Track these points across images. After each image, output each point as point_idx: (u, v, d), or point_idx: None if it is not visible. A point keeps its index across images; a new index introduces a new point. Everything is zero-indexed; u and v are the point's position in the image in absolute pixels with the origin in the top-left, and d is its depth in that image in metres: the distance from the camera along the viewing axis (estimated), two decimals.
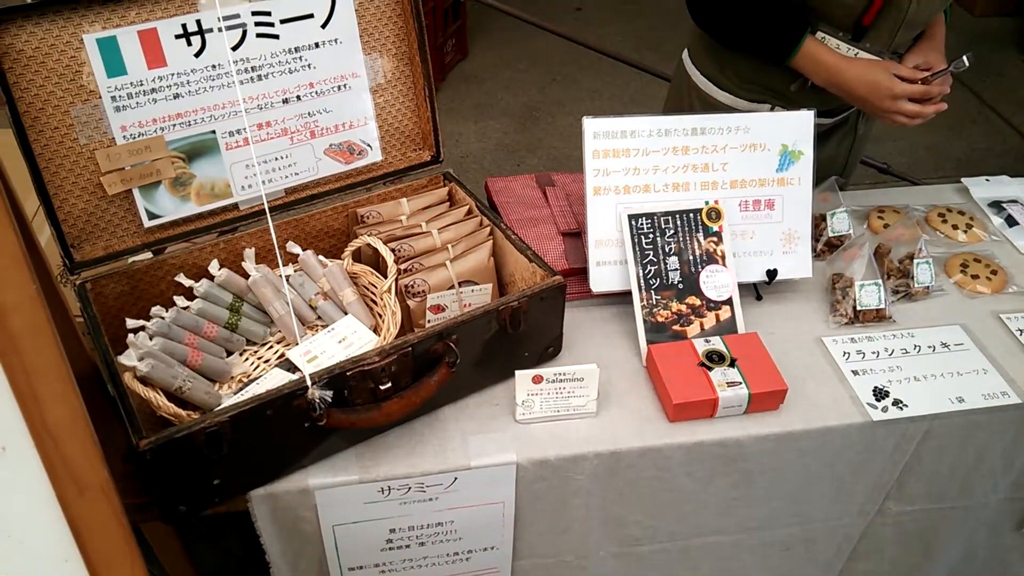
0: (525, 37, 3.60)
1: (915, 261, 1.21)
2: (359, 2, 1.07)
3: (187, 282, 1.05)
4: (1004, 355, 1.14)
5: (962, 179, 1.47)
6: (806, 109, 1.16)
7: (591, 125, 1.11)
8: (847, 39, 1.22)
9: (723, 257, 1.12)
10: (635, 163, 1.13)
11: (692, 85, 1.44)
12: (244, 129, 1.04)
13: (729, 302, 1.12)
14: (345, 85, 1.10)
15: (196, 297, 1.05)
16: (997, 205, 1.42)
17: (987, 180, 1.47)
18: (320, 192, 1.14)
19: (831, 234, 1.27)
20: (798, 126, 1.15)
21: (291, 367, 1.02)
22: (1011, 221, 1.38)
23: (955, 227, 1.35)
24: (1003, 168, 3.20)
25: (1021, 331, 1.18)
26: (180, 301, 1.04)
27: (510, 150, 3.16)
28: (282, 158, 1.10)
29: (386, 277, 1.03)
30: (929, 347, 1.14)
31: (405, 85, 1.15)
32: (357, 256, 1.11)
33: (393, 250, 1.06)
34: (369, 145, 1.15)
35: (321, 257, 1.09)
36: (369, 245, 1.07)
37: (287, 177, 1.11)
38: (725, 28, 1.31)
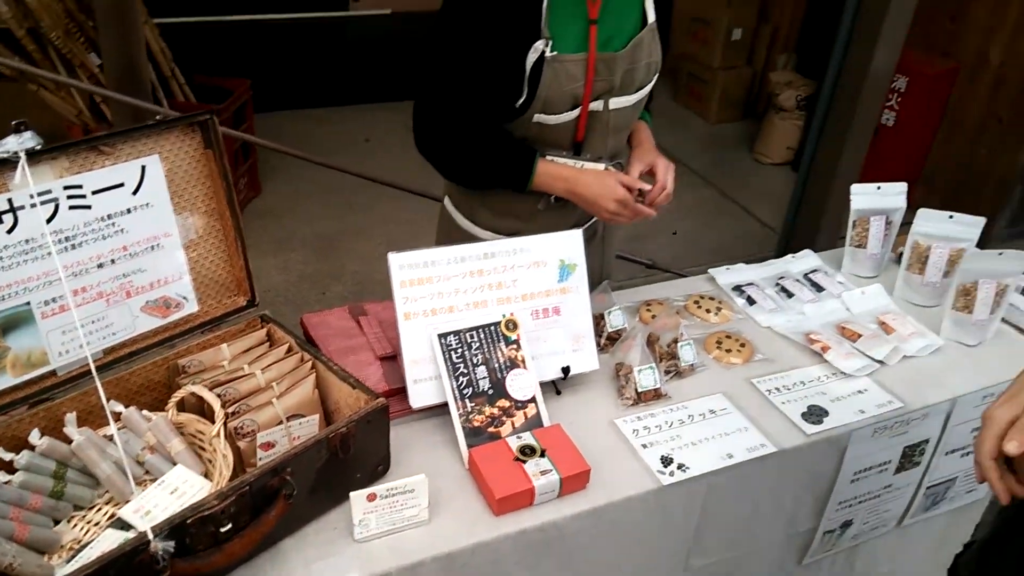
0: (318, 169, 3.74)
1: (679, 344, 1.43)
2: (168, 168, 1.16)
3: (6, 455, 1.04)
4: (759, 413, 1.37)
5: (708, 270, 1.75)
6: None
7: (396, 259, 1.25)
8: (571, 156, 1.46)
9: (524, 361, 1.28)
10: (439, 288, 1.27)
11: (454, 224, 1.63)
12: (60, 297, 1.08)
13: (534, 400, 1.27)
14: (158, 245, 1.17)
15: (17, 470, 1.04)
16: (739, 289, 1.70)
17: (727, 268, 1.76)
18: (139, 348, 1.18)
19: (610, 329, 1.48)
20: (569, 243, 1.35)
21: (124, 525, 1.04)
22: (750, 300, 1.66)
23: (708, 311, 1.61)
24: (750, 250, 3.73)
25: (769, 391, 1.42)
26: (0, 476, 1.03)
27: (314, 280, 3.24)
28: (99, 320, 1.13)
29: (213, 423, 1.09)
30: (700, 415, 1.35)
31: (216, 238, 1.24)
32: (181, 406, 1.16)
33: (218, 395, 1.12)
34: (185, 297, 1.22)
35: (145, 412, 1.13)
36: (193, 394, 1.13)
37: (105, 338, 1.15)
38: (469, 179, 1.54)
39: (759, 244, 3.76)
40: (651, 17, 1.44)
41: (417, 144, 1.48)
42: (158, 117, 1.18)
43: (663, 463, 1.24)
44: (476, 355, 1.26)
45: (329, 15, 5.02)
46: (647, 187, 1.47)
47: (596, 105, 1.42)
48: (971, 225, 1.69)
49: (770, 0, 4.86)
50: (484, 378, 1.25)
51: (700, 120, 5.07)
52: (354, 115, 4.63)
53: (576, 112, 1.41)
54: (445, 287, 1.28)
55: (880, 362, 1.51)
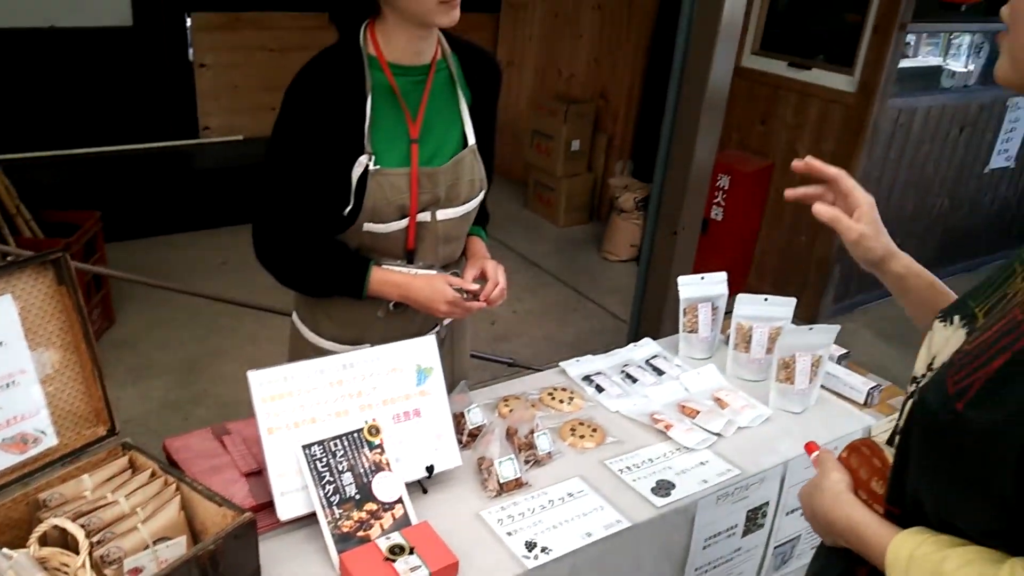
0: (175, 295, 3.70)
1: (536, 434, 1.53)
2: (21, 306, 1.18)
3: None
4: (613, 492, 1.47)
5: (560, 363, 1.88)
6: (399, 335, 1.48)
7: (256, 377, 1.30)
8: (404, 264, 1.58)
9: (388, 464, 1.34)
10: (300, 401, 1.33)
11: (303, 339, 1.70)
12: None
13: (400, 501, 1.32)
14: (13, 382, 1.17)
15: None
16: (588, 378, 1.83)
17: (577, 361, 1.90)
18: None
19: (470, 426, 1.56)
20: (424, 348, 1.44)
21: None
22: (599, 388, 1.79)
23: (561, 401, 1.73)
24: (605, 341, 3.93)
25: (621, 471, 1.53)
26: None
27: (175, 406, 3.16)
28: None
29: (78, 554, 1.08)
30: (559, 499, 1.44)
31: (73, 370, 1.25)
32: (44, 540, 1.14)
33: (82, 525, 1.11)
34: (43, 432, 1.21)
35: (5, 549, 1.10)
36: (56, 526, 1.11)
37: None
38: (308, 287, 1.62)
39: (612, 335, 3.98)
40: (471, 140, 1.59)
41: (257, 255, 1.56)
42: (9, 258, 1.20)
43: (527, 548, 1.32)
44: (341, 462, 1.31)
45: (180, 143, 5.08)
46: (475, 287, 1.58)
47: (424, 216, 1.55)
48: (784, 305, 1.90)
49: (603, 114, 5.31)
50: (350, 484, 1.30)
51: (550, 224, 5.38)
52: (210, 239, 4.62)
53: (405, 222, 1.53)
54: (307, 399, 1.33)
55: (718, 435, 1.66)
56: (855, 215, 1.17)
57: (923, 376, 0.93)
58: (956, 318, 0.92)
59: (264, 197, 1.53)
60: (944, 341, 0.90)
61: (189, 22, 4.97)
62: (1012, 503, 0.73)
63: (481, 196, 1.65)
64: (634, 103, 5.15)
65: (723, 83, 2.77)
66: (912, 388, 0.93)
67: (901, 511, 0.89)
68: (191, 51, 5.04)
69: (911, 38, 3.87)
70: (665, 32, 4.75)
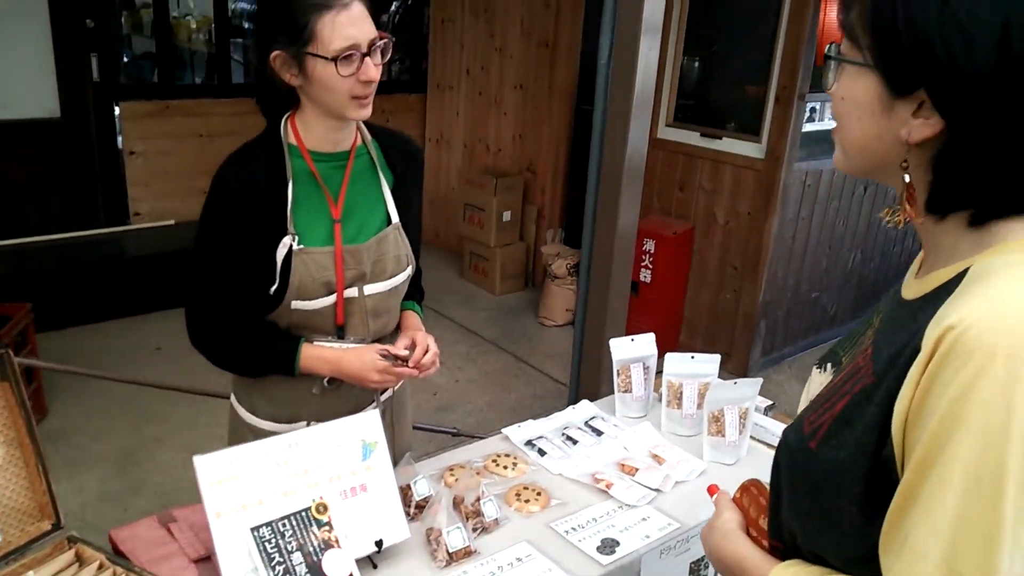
0: (109, 384, 3.63)
1: (482, 501, 1.58)
2: None
3: None
4: (560, 553, 1.51)
5: (502, 429, 1.94)
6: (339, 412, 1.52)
7: (202, 462, 1.32)
8: (335, 340, 1.63)
9: (337, 541, 1.36)
10: (247, 483, 1.35)
11: (241, 420, 1.72)
12: None
13: None
14: None
15: None
16: (530, 443, 1.89)
17: (519, 426, 1.95)
18: None
19: (417, 498, 1.59)
20: (368, 423, 1.48)
21: None
22: (541, 452, 1.85)
23: (505, 467, 1.77)
24: (546, 405, 4.00)
25: (567, 531, 1.58)
26: None
27: (113, 498, 3.08)
28: None
29: None
30: (508, 564, 1.48)
31: (18, 467, 1.25)
32: None
33: None
34: None
35: None
36: None
37: None
38: (241, 367, 1.66)
39: (553, 399, 4.05)
40: (395, 218, 1.67)
41: (191, 339, 1.61)
42: None
43: None
44: (290, 542, 1.33)
45: (109, 231, 5.05)
46: (405, 353, 1.64)
47: (351, 292, 1.61)
48: (711, 362, 2.00)
49: (531, 186, 5.49)
50: (300, 563, 1.32)
51: (486, 292, 5.47)
52: (143, 324, 4.56)
53: (332, 298, 1.59)
54: (253, 481, 1.35)
55: (657, 490, 1.72)
56: None
57: None
58: (828, 365, 1.03)
59: (194, 282, 1.59)
60: (819, 386, 1.01)
61: (118, 111, 4.99)
62: (864, 531, 0.82)
63: (409, 271, 1.72)
64: (560, 174, 5.35)
65: (640, 153, 2.93)
66: None
67: (783, 545, 0.97)
68: (120, 139, 5.05)
69: (814, 105, 4.14)
70: (585, 107, 4.99)
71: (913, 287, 0.90)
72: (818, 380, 1.03)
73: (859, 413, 0.82)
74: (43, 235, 4.79)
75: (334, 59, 1.43)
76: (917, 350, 0.76)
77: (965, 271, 0.80)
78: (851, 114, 0.86)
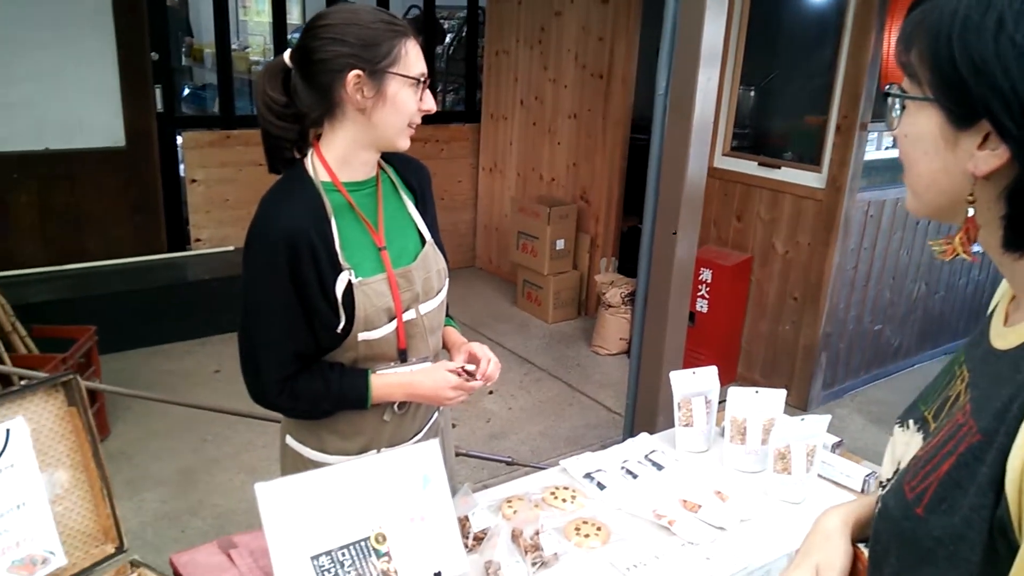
0: (168, 405, 3.69)
1: (540, 535, 1.54)
2: (33, 428, 1.20)
3: None
4: None
5: (560, 461, 1.90)
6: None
7: (264, 489, 1.31)
8: (398, 364, 1.63)
9: (396, 572, 1.34)
10: (307, 511, 1.34)
11: (304, 460, 1.68)
12: None
13: None
14: (23, 504, 1.19)
15: None
16: (589, 475, 1.85)
17: (577, 458, 1.91)
18: None
19: (476, 529, 1.57)
20: (428, 453, 1.47)
21: None
22: (600, 485, 1.81)
23: (564, 500, 1.74)
24: (601, 435, 3.94)
25: (628, 568, 1.53)
26: None
27: (171, 518, 3.11)
28: None
29: None
30: None
31: (83, 491, 1.27)
32: None
33: None
34: (52, 552, 1.21)
35: None
36: None
37: None
38: (315, 415, 1.64)
39: (608, 429, 3.98)
40: (427, 236, 1.70)
41: (257, 400, 1.59)
42: (23, 382, 1.24)
43: None
44: (349, 572, 1.31)
45: (171, 256, 5.18)
46: (472, 367, 1.66)
47: (410, 314, 1.62)
48: (775, 397, 1.95)
49: (585, 215, 5.47)
50: None
51: (539, 321, 5.45)
52: (203, 347, 4.65)
53: (394, 324, 1.59)
54: (314, 509, 1.34)
55: (721, 528, 1.67)
56: None
57: (888, 480, 0.97)
58: (911, 422, 0.97)
59: (253, 343, 1.57)
60: (905, 445, 0.95)
61: (180, 140, 5.14)
62: None
63: (447, 283, 1.74)
64: (613, 203, 5.32)
65: (699, 183, 2.89)
66: (879, 492, 0.97)
67: None
68: (182, 167, 5.19)
69: (876, 134, 4.05)
70: (638, 137, 4.97)
71: (1005, 336, 0.84)
72: (902, 439, 0.97)
73: (969, 474, 0.77)
74: (108, 260, 4.93)
75: (417, 80, 1.49)
76: None
77: None
78: (916, 150, 0.83)
